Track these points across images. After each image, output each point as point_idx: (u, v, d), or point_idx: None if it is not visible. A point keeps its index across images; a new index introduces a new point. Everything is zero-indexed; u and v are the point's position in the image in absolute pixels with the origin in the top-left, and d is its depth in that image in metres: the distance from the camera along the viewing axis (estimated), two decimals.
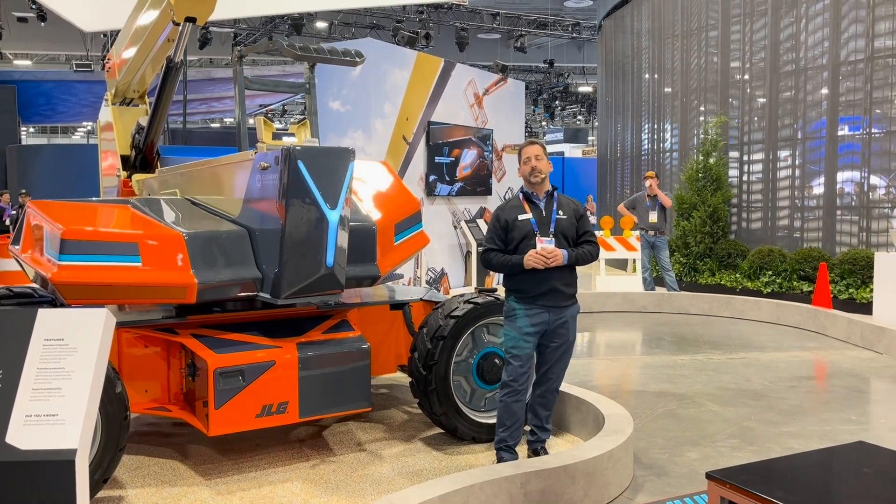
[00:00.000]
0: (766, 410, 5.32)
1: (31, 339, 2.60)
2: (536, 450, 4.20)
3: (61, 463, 2.36)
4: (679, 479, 4.09)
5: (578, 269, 4.17)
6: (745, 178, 12.29)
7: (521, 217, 4.07)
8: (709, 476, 2.50)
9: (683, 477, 4.11)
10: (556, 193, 4.17)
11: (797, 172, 11.49)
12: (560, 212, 4.09)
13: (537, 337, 4.05)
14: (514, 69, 26.41)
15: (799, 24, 11.33)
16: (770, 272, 10.73)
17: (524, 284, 4.02)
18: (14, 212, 14.66)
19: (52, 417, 2.44)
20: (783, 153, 11.69)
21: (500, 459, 4.08)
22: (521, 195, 4.17)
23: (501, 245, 4.10)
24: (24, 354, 2.57)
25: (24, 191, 15.03)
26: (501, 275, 4.18)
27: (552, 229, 4.04)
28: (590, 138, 39.93)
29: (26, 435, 2.41)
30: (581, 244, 4.09)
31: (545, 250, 3.93)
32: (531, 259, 3.94)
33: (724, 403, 5.48)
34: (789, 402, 5.54)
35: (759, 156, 12.06)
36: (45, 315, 2.68)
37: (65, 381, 2.51)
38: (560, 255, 3.94)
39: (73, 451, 2.39)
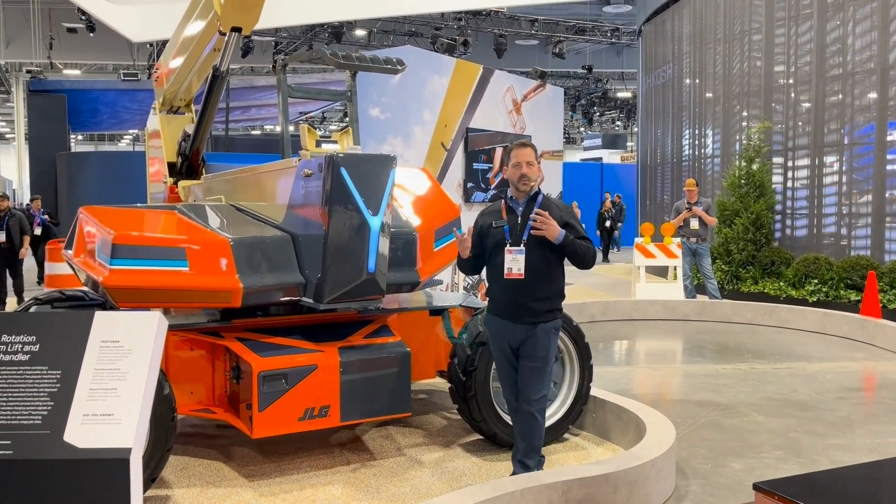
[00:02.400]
0: (813, 422, 5.20)
1: (88, 341, 2.69)
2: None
3: (117, 461, 2.43)
4: (723, 490, 4.02)
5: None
6: (789, 184, 12.05)
7: (495, 224, 3.86)
8: (756, 487, 2.45)
9: (727, 488, 4.04)
10: (540, 198, 3.86)
11: (844, 178, 11.22)
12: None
13: (512, 353, 3.86)
14: (552, 75, 26.32)
15: (846, 26, 11.08)
16: (816, 280, 10.49)
17: (492, 293, 3.88)
18: (45, 217, 14.35)
19: (108, 417, 2.52)
20: (829, 159, 11.43)
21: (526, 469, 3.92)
22: (502, 199, 3.96)
23: (476, 251, 3.92)
24: (81, 355, 2.66)
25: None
26: None
27: (525, 238, 3.76)
28: (628, 144, 39.56)
29: (84, 433, 2.49)
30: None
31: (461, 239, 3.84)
32: (457, 243, 3.89)
33: (768, 414, 5.37)
34: (837, 413, 5.41)
35: (805, 161, 11.81)
36: (101, 317, 2.77)
37: (120, 382, 2.58)
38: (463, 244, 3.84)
39: (128, 450, 2.47)
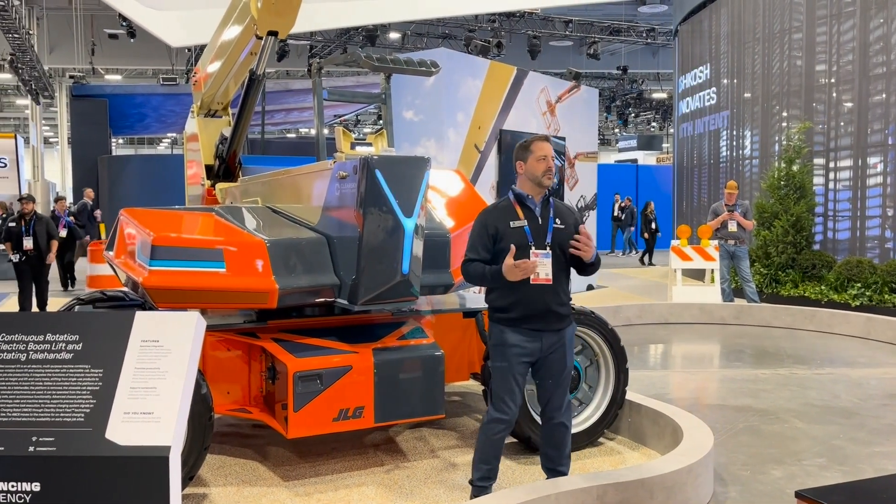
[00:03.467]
0: (856, 429, 5.07)
1: (129, 341, 2.74)
2: None
3: (156, 459, 2.48)
4: (763, 497, 3.94)
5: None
6: (831, 185, 11.78)
7: (513, 224, 3.53)
8: (799, 495, 2.40)
9: (767, 496, 3.95)
10: (551, 200, 3.65)
11: (889, 180, 10.94)
12: (557, 220, 3.57)
13: (528, 367, 3.60)
14: (587, 76, 26.13)
15: (890, 24, 10.81)
16: (859, 284, 10.24)
17: (511, 302, 3.50)
18: (70, 219, 13.33)
19: (148, 415, 2.57)
20: (873, 160, 11.15)
21: (476, 496, 3.60)
22: (511, 197, 3.63)
23: (486, 256, 3.53)
24: (122, 354, 2.71)
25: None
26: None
27: (548, 240, 3.53)
28: (664, 145, 39.12)
29: (124, 431, 2.54)
30: None
31: (526, 263, 3.37)
32: (512, 270, 3.36)
33: (810, 420, 5.25)
34: (882, 420, 5.26)
35: (847, 163, 11.55)
36: (142, 317, 2.82)
37: (160, 381, 2.63)
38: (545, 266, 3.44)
39: (168, 448, 2.51)
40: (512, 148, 3.63)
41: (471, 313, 5.03)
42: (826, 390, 6.08)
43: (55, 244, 10.10)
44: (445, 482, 4.12)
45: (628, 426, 4.82)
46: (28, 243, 9.62)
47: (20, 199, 10.23)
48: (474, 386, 5.51)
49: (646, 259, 19.10)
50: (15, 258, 9.72)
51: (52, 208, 14.09)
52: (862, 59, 11.18)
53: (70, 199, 21.78)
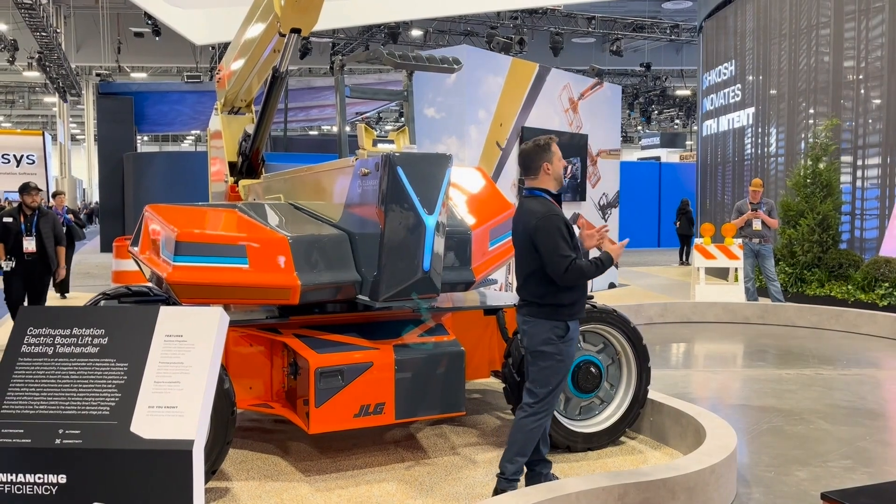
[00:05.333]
0: (882, 431, 4.99)
1: (153, 335, 2.78)
2: (548, 475, 3.93)
3: (180, 453, 2.51)
4: (787, 498, 3.89)
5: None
6: (858, 183, 11.60)
7: (571, 222, 3.77)
8: (824, 497, 2.37)
9: (791, 497, 3.90)
10: None
11: None
12: None
13: None
14: (610, 73, 25.99)
15: None
16: (886, 284, 10.06)
17: (574, 297, 3.68)
18: (70, 216, 12.07)
19: (172, 409, 2.60)
20: None
21: (502, 490, 3.67)
22: (549, 197, 3.77)
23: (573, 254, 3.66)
24: (147, 349, 2.75)
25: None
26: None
27: None
28: (687, 143, 38.76)
29: (149, 425, 2.58)
30: None
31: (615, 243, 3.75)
32: (619, 251, 3.71)
33: (835, 422, 5.18)
34: None
35: (875, 160, 11.35)
36: (166, 312, 2.86)
37: (183, 376, 2.67)
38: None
39: (191, 442, 2.54)
40: None
41: (492, 310, 5.02)
42: (852, 391, 5.98)
43: (62, 252, 7.92)
44: (466, 479, 4.12)
45: (650, 425, 4.79)
46: (30, 244, 7.53)
47: (21, 190, 7.84)
48: (495, 383, 5.50)
49: (683, 256, 18.67)
50: (7, 266, 7.53)
51: (49, 204, 12.13)
52: (891, 55, 10.98)
53: (96, 195, 21.98)
